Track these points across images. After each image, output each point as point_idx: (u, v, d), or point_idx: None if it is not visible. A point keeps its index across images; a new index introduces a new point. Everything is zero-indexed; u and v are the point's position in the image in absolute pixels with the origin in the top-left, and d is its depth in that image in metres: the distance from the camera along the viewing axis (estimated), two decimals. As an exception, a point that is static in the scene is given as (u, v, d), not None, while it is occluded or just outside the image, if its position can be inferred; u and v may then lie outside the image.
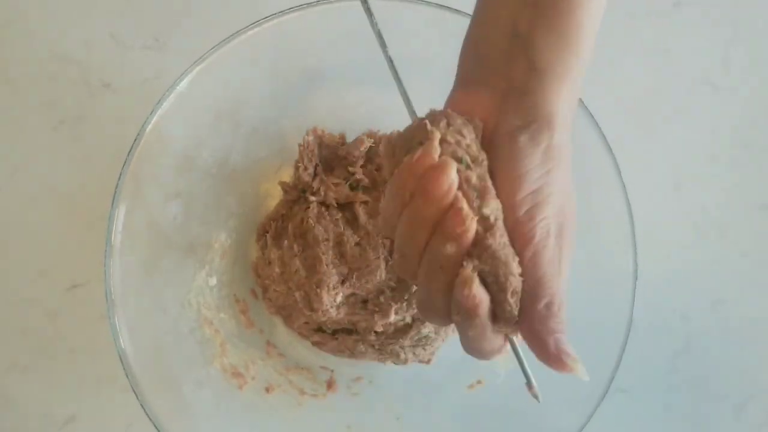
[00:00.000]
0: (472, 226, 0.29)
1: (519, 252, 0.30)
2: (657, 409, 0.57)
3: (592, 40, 0.32)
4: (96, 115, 0.57)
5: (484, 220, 0.30)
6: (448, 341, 0.54)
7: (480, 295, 0.30)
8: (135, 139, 0.45)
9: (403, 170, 0.31)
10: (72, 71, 0.57)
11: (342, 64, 0.50)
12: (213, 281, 0.52)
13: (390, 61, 0.35)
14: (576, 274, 0.50)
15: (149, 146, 0.45)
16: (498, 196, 0.31)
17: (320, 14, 0.47)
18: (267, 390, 0.51)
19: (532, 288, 0.30)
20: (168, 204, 0.49)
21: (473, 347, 0.33)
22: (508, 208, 0.31)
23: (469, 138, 0.31)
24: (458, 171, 0.30)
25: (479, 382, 0.51)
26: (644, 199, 0.52)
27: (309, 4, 0.47)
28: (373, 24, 0.35)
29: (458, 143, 0.31)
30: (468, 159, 0.31)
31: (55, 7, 0.58)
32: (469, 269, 0.30)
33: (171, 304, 0.49)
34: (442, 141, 0.31)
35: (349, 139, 0.54)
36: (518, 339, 0.33)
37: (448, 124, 0.31)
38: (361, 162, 0.53)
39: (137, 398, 0.43)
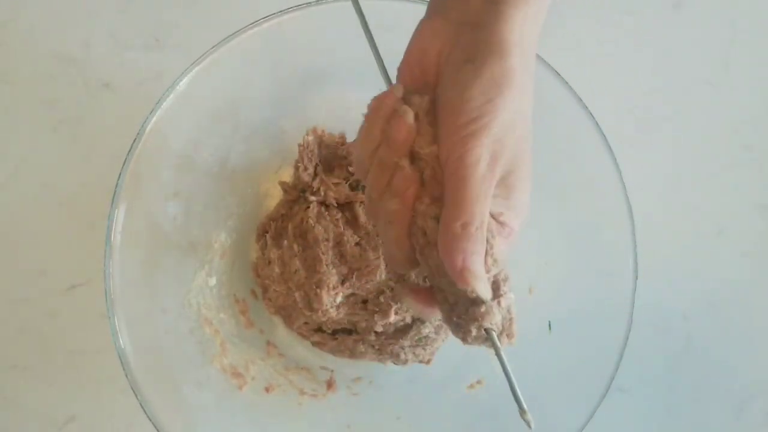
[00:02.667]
0: (414, 182, 0.32)
1: (446, 176, 0.31)
2: (657, 409, 0.57)
3: None
4: (96, 115, 0.57)
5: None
6: (448, 341, 0.54)
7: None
8: (135, 139, 0.45)
9: (371, 113, 0.33)
10: (72, 71, 0.57)
11: (342, 64, 0.50)
12: (213, 281, 0.52)
13: (367, 29, 0.36)
14: (577, 273, 0.50)
15: (149, 146, 0.45)
16: (440, 127, 0.32)
17: (320, 14, 0.47)
18: (267, 390, 0.51)
19: (453, 209, 0.31)
20: (168, 204, 0.49)
21: (387, 248, 0.35)
22: (447, 137, 0.32)
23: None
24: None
25: (479, 382, 0.51)
26: (644, 199, 0.52)
27: (309, 4, 0.47)
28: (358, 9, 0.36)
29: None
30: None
31: (55, 6, 0.58)
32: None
33: (171, 304, 0.49)
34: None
35: (349, 139, 0.54)
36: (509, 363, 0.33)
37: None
38: (361, 162, 0.53)
39: (137, 398, 0.43)
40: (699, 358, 0.58)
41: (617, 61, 0.61)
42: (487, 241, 0.32)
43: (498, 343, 0.33)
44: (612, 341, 0.46)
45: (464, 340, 0.33)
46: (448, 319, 0.34)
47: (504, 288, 0.34)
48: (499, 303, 0.33)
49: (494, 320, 0.32)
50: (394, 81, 0.36)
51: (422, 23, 0.35)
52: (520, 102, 0.32)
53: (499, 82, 0.31)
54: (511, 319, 0.34)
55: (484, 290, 0.32)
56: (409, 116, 0.32)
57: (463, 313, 0.33)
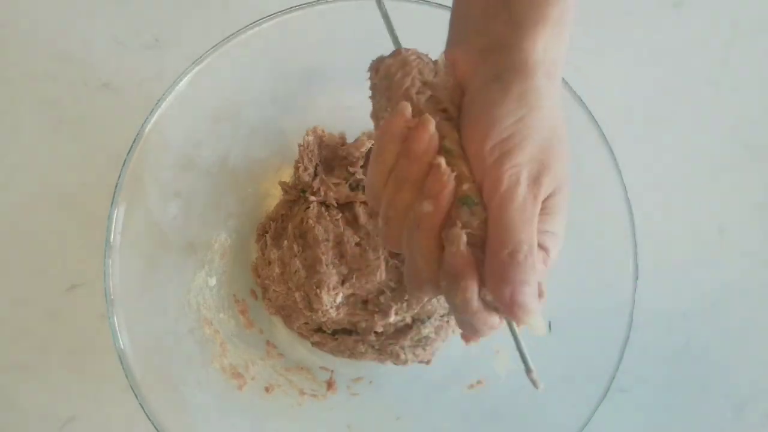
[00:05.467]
0: (450, 181, 0.30)
1: (486, 201, 0.30)
2: (657, 409, 0.57)
3: None
4: (96, 115, 0.57)
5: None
6: (448, 341, 0.54)
7: (466, 255, 0.30)
8: (135, 139, 0.45)
9: (382, 136, 0.31)
10: (72, 71, 0.57)
11: (342, 64, 0.50)
12: (213, 281, 0.52)
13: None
14: (577, 274, 0.50)
15: (149, 146, 0.45)
16: (469, 147, 0.31)
17: (320, 14, 0.47)
18: (267, 390, 0.51)
19: (498, 236, 0.29)
20: (168, 204, 0.49)
21: (462, 320, 0.32)
22: (478, 159, 0.30)
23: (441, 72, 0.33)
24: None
25: (479, 382, 0.51)
26: (644, 199, 0.52)
27: (309, 4, 0.47)
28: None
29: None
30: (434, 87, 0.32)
31: (55, 7, 0.58)
32: (458, 228, 0.30)
33: (171, 304, 0.49)
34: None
35: (349, 139, 0.54)
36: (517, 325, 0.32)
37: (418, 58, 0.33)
38: (361, 162, 0.53)
39: (137, 398, 0.43)
40: (699, 358, 0.58)
41: (617, 61, 0.61)
42: None
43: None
44: (612, 341, 0.46)
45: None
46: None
47: None
48: None
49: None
50: None
51: (443, 54, 0.34)
52: (553, 120, 0.31)
53: (528, 99, 0.30)
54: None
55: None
56: (431, 124, 0.31)
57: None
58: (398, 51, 0.34)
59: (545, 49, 0.31)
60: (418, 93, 0.32)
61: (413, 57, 0.33)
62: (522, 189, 0.30)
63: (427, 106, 0.32)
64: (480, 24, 0.33)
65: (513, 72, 0.30)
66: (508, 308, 0.29)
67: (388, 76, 0.33)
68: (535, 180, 0.30)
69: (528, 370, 0.31)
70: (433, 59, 0.34)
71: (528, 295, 0.29)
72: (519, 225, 0.29)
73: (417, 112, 0.32)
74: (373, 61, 0.34)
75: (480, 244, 0.30)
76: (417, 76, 0.32)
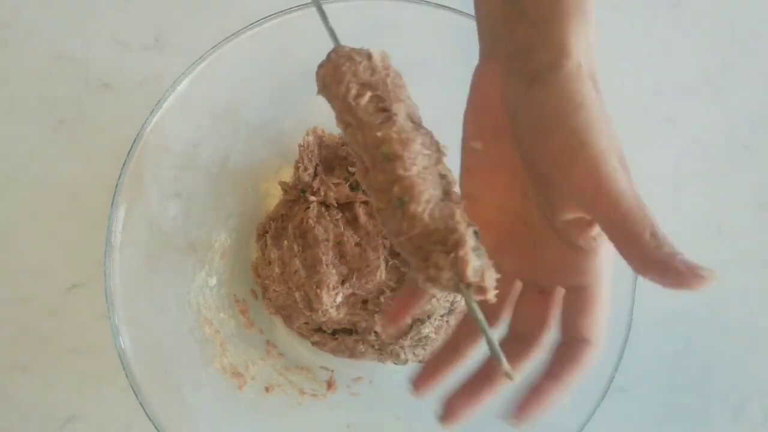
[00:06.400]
0: None
1: (588, 193, 0.29)
2: (657, 409, 0.57)
3: None
4: (96, 115, 0.57)
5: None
6: (448, 341, 0.54)
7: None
8: (135, 139, 0.45)
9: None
10: (72, 71, 0.57)
11: (342, 64, 0.50)
12: (213, 281, 0.52)
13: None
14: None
15: (149, 146, 0.45)
16: (530, 148, 0.31)
17: (320, 14, 0.47)
18: (267, 390, 0.51)
19: (628, 220, 0.29)
20: (168, 204, 0.49)
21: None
22: (557, 158, 0.30)
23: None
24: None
25: (479, 382, 0.51)
26: (644, 199, 0.52)
27: (309, 4, 0.47)
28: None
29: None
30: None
31: (55, 7, 0.58)
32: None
33: (171, 304, 0.49)
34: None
35: (349, 139, 0.54)
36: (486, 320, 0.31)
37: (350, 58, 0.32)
38: (361, 162, 0.53)
39: (137, 398, 0.43)
40: (699, 358, 0.58)
41: (617, 60, 0.61)
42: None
43: (472, 296, 0.30)
44: (612, 341, 0.46)
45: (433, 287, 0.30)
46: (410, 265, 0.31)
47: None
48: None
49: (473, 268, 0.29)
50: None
51: (476, 69, 0.34)
52: (601, 105, 0.30)
53: (571, 88, 0.30)
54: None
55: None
56: None
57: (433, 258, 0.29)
58: (329, 56, 0.32)
59: (574, 42, 0.31)
60: (356, 97, 0.31)
61: (343, 60, 0.32)
62: (618, 171, 0.30)
63: (367, 109, 0.31)
64: (502, 32, 0.33)
65: (547, 67, 0.30)
66: (690, 278, 0.29)
67: (326, 85, 0.32)
68: (623, 160, 0.30)
69: (500, 363, 0.31)
70: (367, 52, 0.32)
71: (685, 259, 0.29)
72: (641, 205, 0.30)
73: (357, 120, 0.31)
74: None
75: (416, 237, 0.30)
76: (352, 79, 0.31)
